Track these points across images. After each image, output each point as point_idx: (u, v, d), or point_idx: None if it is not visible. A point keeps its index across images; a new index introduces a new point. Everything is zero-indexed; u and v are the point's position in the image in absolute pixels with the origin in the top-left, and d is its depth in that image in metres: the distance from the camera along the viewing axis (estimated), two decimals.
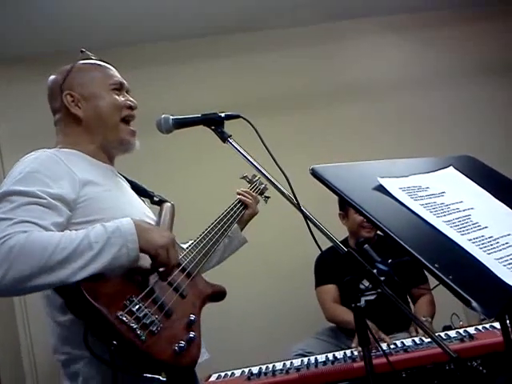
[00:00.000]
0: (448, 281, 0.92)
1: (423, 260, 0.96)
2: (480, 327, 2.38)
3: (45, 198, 1.33)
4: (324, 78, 3.93)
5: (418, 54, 4.07)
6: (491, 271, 0.99)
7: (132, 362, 1.25)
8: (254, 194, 2.16)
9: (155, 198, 1.77)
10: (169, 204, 1.74)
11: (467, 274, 0.98)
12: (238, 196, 2.10)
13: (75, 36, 3.42)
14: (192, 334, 1.39)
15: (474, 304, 0.88)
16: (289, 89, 3.87)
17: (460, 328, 2.51)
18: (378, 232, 3.10)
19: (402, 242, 0.99)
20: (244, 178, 2.28)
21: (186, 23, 3.71)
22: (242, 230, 2.09)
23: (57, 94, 1.60)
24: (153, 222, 1.60)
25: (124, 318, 1.25)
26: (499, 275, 0.98)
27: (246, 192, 2.13)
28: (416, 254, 0.97)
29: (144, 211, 1.62)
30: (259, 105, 3.58)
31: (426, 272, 2.92)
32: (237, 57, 3.89)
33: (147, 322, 1.30)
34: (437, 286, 1.47)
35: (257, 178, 2.29)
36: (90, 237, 1.28)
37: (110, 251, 1.28)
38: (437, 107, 3.96)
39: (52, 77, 1.65)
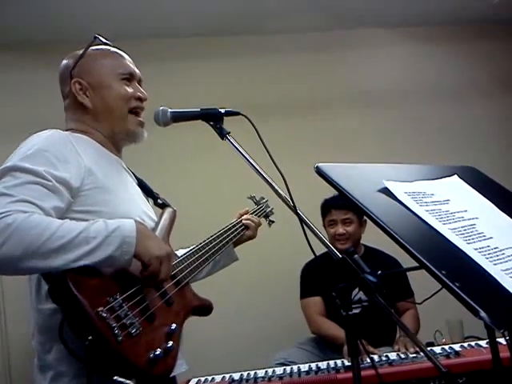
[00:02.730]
0: (456, 288, 0.88)
1: (430, 266, 0.93)
2: (465, 344, 2.36)
3: (50, 180, 1.30)
4: (325, 84, 3.94)
5: (422, 66, 4.10)
6: (498, 282, 0.96)
7: (104, 362, 1.21)
8: (258, 218, 2.10)
9: (159, 201, 1.73)
10: (171, 209, 1.69)
11: (474, 283, 0.95)
12: (243, 220, 2.04)
13: (73, 25, 3.38)
14: (170, 344, 1.34)
15: (483, 314, 0.85)
16: (290, 93, 3.87)
17: (443, 345, 2.49)
18: (365, 244, 3.09)
19: (407, 246, 0.96)
20: (251, 198, 2.23)
21: (188, 21, 3.68)
22: (234, 247, 2.03)
23: (67, 80, 1.57)
24: (152, 223, 1.56)
25: (104, 315, 1.21)
26: (506, 287, 0.95)
27: (250, 217, 2.08)
28: (423, 259, 0.94)
29: (145, 210, 1.57)
30: (260, 108, 3.54)
31: (411, 287, 2.91)
32: (239, 59, 3.88)
33: (127, 322, 1.26)
34: (426, 300, 1.46)
35: (264, 200, 2.26)
36: (89, 231, 1.25)
37: (105, 249, 1.25)
38: (439, 120, 4.00)
39: (64, 61, 1.62)
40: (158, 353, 1.28)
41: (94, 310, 1.20)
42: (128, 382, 1.19)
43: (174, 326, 1.40)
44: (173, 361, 1.36)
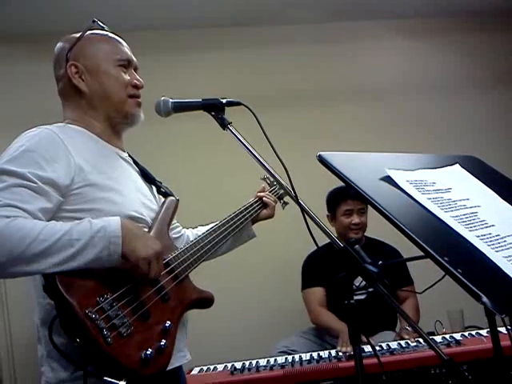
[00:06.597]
0: (458, 274, 0.89)
1: (433, 253, 0.93)
2: (466, 334, 2.38)
3: (35, 182, 1.27)
4: (326, 76, 3.93)
5: (423, 58, 4.09)
6: (500, 269, 0.97)
7: (94, 363, 1.20)
8: (274, 197, 2.08)
9: (162, 189, 1.70)
10: (173, 199, 1.66)
11: (476, 269, 0.96)
12: (260, 194, 2.03)
13: (74, 16, 3.33)
14: (163, 343, 1.31)
15: (485, 299, 0.86)
16: (291, 85, 3.86)
17: (444, 334, 2.50)
18: (365, 234, 3.10)
19: (410, 233, 0.97)
20: (264, 179, 2.19)
21: (188, 13, 3.66)
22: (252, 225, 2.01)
23: (62, 62, 1.54)
24: (153, 213, 1.54)
25: (93, 316, 1.19)
26: (508, 273, 0.96)
27: (270, 195, 2.06)
28: (425, 246, 0.94)
29: (144, 201, 1.54)
30: (261, 99, 3.53)
31: (411, 275, 2.91)
32: (239, 50, 3.86)
33: (117, 322, 1.24)
34: (427, 289, 1.46)
35: None
36: (73, 233, 1.23)
37: (91, 251, 1.23)
38: (439, 112, 4.00)
39: (59, 43, 1.59)
40: (149, 352, 1.26)
41: (83, 311, 1.18)
42: (117, 382, 1.19)
43: (168, 323, 1.36)
44: (166, 359, 1.33)
